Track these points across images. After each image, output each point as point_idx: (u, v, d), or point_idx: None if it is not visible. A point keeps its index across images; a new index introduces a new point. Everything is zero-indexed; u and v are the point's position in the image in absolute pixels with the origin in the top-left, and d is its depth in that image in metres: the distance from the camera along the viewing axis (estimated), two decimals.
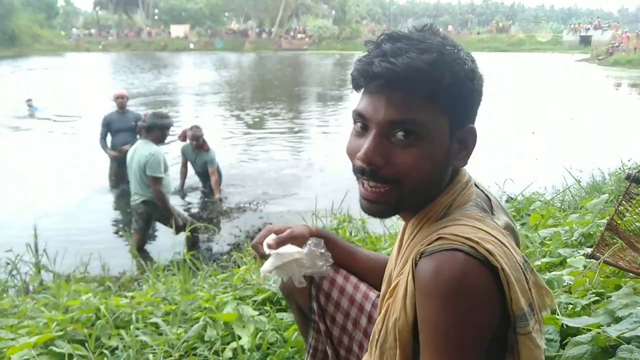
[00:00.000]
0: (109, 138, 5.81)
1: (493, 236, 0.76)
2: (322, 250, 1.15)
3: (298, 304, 1.27)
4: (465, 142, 0.84)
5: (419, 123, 0.77)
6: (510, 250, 0.76)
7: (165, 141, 4.23)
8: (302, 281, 1.12)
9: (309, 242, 1.14)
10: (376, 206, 0.84)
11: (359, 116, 0.82)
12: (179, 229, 3.94)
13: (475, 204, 0.85)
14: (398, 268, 0.88)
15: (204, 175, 5.51)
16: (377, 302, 1.10)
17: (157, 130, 4.03)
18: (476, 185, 0.91)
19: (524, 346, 0.75)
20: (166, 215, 4.04)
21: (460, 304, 0.70)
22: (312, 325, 1.24)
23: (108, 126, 5.77)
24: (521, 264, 0.77)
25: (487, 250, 0.71)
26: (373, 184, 0.81)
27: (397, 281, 0.85)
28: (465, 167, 0.88)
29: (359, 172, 0.82)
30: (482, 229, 0.77)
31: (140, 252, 4.07)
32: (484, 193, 0.91)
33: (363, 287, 1.21)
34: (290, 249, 1.10)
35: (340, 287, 1.21)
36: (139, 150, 4.01)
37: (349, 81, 0.84)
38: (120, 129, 5.74)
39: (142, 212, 4.09)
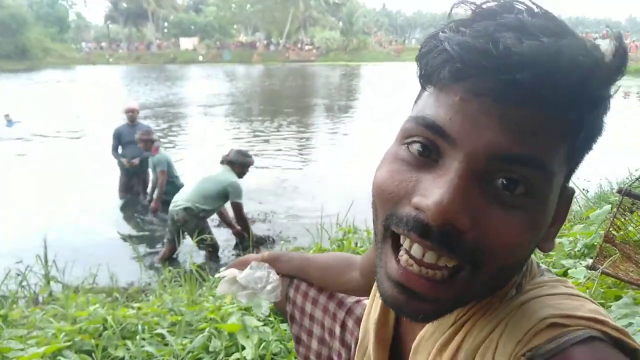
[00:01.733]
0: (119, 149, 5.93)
1: (594, 303, 0.54)
2: (261, 272, 1.16)
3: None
4: (567, 203, 0.55)
5: (546, 170, 0.47)
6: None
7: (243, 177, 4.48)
8: (248, 302, 1.17)
9: (250, 264, 1.17)
10: (423, 304, 0.50)
11: (428, 128, 0.48)
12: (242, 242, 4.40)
13: (541, 271, 0.60)
14: None
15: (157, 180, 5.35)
16: (352, 307, 1.08)
17: (239, 167, 4.38)
18: None
19: None
20: (197, 229, 4.16)
21: None
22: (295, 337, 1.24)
23: (119, 138, 5.88)
24: None
25: (616, 328, 0.49)
26: (432, 256, 0.48)
27: None
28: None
29: (412, 230, 0.48)
30: (581, 296, 0.54)
31: (169, 261, 4.17)
32: None
33: (333, 295, 1.17)
34: (230, 272, 1.16)
35: (312, 299, 1.18)
36: (223, 174, 4.31)
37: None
38: (130, 142, 5.80)
39: (179, 219, 4.20)
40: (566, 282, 0.58)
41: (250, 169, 4.54)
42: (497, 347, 0.51)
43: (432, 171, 0.48)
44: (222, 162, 4.41)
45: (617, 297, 1.58)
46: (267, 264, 1.18)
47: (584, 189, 4.01)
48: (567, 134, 0.47)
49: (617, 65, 0.47)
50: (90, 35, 69.91)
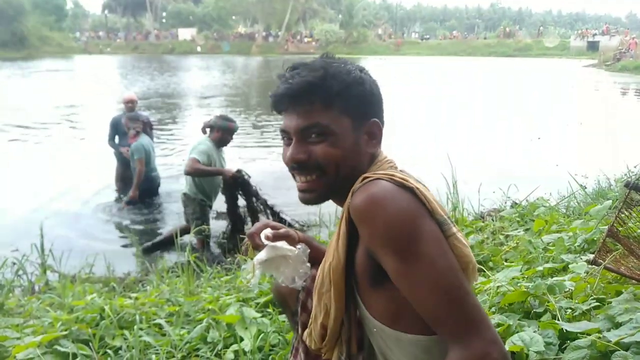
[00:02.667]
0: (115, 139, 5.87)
1: (407, 174, 0.96)
2: (306, 259, 1.18)
3: (291, 309, 1.30)
4: (373, 133, 1.03)
5: (323, 125, 0.97)
6: (423, 185, 0.95)
7: (227, 144, 4.24)
8: (285, 281, 1.17)
9: (299, 246, 1.19)
10: (310, 195, 1.03)
11: (282, 132, 1.03)
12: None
13: (394, 169, 1.01)
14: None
15: (132, 169, 5.24)
16: None
17: (217, 132, 4.08)
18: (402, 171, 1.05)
19: (454, 246, 0.89)
20: (195, 215, 4.09)
21: (397, 206, 0.85)
22: (295, 327, 1.28)
23: (116, 128, 5.81)
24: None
25: (402, 178, 0.90)
26: (304, 177, 1.01)
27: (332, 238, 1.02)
28: (383, 153, 1.06)
29: (292, 171, 1.03)
30: (397, 172, 0.95)
31: (205, 250, 4.08)
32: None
33: None
34: (284, 245, 1.15)
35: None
36: (195, 145, 4.06)
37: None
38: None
39: (182, 203, 4.22)
40: (399, 171, 0.98)
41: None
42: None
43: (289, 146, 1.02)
44: (203, 131, 4.17)
45: (618, 293, 1.57)
46: (309, 250, 1.19)
47: (582, 185, 4.01)
48: (327, 106, 0.97)
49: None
50: (87, 24, 69.36)
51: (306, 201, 1.04)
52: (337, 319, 1.00)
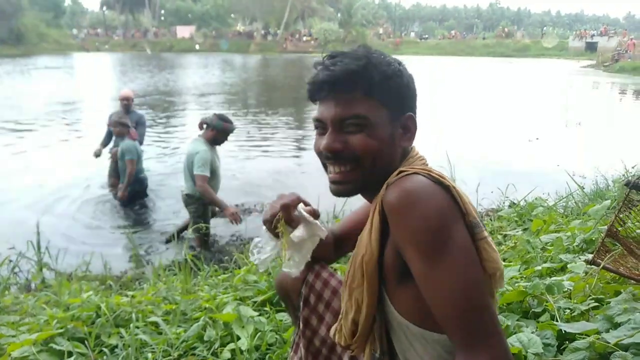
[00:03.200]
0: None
1: (442, 173, 0.92)
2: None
3: (293, 304, 1.29)
4: (407, 127, 1.01)
5: (362, 116, 0.94)
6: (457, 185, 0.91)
7: (221, 144, 4.19)
8: (294, 269, 1.11)
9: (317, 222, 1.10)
10: (343, 186, 0.99)
11: (317, 121, 1.00)
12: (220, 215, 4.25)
13: (427, 165, 1.00)
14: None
15: (122, 170, 5.13)
16: None
17: (211, 131, 4.03)
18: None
19: (484, 250, 0.87)
20: (198, 213, 4.05)
21: (429, 206, 0.83)
22: (296, 322, 1.28)
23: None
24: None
25: (439, 175, 0.88)
26: (338, 168, 0.98)
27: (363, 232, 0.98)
28: (416, 148, 1.04)
29: (326, 160, 0.99)
30: (433, 169, 0.94)
31: (203, 248, 4.07)
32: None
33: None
34: (319, 224, 1.07)
35: (333, 289, 1.23)
36: (190, 146, 4.07)
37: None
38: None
39: (184, 202, 4.18)
40: (427, 165, 0.99)
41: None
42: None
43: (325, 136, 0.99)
44: (200, 126, 4.11)
45: (617, 293, 1.57)
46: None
47: (580, 185, 4.01)
48: (367, 96, 0.95)
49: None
50: (85, 21, 69.14)
51: (338, 193, 1.00)
52: (368, 315, 0.97)
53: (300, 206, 1.10)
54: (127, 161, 4.98)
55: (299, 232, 1.05)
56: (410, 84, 1.01)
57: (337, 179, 0.99)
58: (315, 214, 1.11)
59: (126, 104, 5.68)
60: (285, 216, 1.08)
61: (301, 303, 1.23)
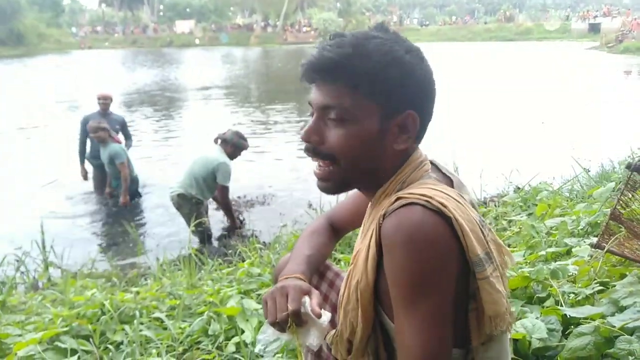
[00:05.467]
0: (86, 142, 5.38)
1: (445, 193, 0.83)
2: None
3: None
4: (406, 127, 0.89)
5: (343, 107, 0.86)
6: (464, 206, 0.83)
7: (234, 160, 4.33)
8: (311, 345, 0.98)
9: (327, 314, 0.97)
10: (325, 183, 0.94)
11: (309, 104, 0.94)
12: (230, 230, 4.42)
13: (429, 177, 0.91)
14: (359, 240, 0.98)
15: (114, 175, 5.08)
16: None
17: (231, 147, 4.22)
18: (438, 168, 0.97)
19: (484, 290, 0.81)
20: (192, 214, 4.03)
21: (422, 250, 0.77)
22: None
23: (86, 129, 5.16)
24: (477, 220, 0.84)
25: (440, 203, 0.79)
26: (318, 163, 0.93)
27: (358, 249, 0.93)
28: (421, 150, 0.94)
29: (305, 151, 0.94)
30: (435, 189, 0.84)
31: (206, 243, 4.12)
32: (446, 174, 0.96)
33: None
34: (326, 317, 0.95)
35: (338, 291, 1.20)
36: (210, 154, 4.19)
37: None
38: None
39: (174, 204, 4.20)
40: (436, 185, 0.86)
41: (246, 153, 4.44)
42: (377, 214, 0.87)
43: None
44: (215, 140, 4.28)
45: (622, 276, 1.55)
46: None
47: (585, 168, 3.98)
48: (353, 88, 0.86)
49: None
50: (85, 19, 69.00)
51: (323, 189, 0.95)
52: (363, 337, 0.93)
53: (307, 301, 0.95)
54: (119, 165, 4.87)
55: (311, 340, 0.95)
56: (416, 76, 0.88)
57: (318, 174, 0.94)
58: (319, 308, 0.96)
59: (104, 103, 5.36)
60: (295, 322, 0.94)
61: None
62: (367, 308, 0.90)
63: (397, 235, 0.79)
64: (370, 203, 0.99)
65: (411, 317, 0.79)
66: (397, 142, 0.89)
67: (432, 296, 0.78)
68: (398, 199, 0.83)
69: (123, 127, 5.57)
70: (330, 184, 0.94)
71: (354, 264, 0.93)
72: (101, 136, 4.88)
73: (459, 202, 0.83)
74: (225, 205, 4.39)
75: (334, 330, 1.02)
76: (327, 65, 0.86)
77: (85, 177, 5.49)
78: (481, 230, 0.83)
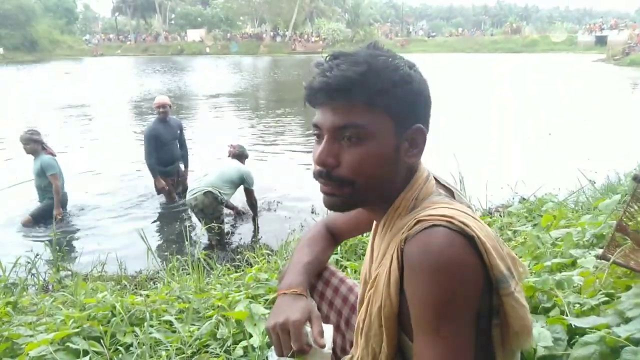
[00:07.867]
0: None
1: (463, 212, 0.83)
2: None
3: None
4: (415, 141, 0.89)
5: (360, 125, 0.85)
6: (481, 223, 0.83)
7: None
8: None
9: (326, 327, 1.00)
10: (332, 199, 0.91)
11: (314, 127, 0.91)
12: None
13: (439, 194, 0.92)
14: (376, 263, 0.95)
15: (42, 188, 4.92)
16: None
17: (244, 159, 4.96)
18: (437, 180, 0.97)
19: (509, 305, 0.81)
20: (215, 214, 4.39)
21: (448, 275, 0.76)
22: None
23: (155, 140, 5.18)
24: (494, 235, 0.84)
25: (462, 222, 0.79)
26: (327, 187, 0.90)
27: (377, 273, 0.91)
28: (423, 164, 0.94)
29: (316, 176, 0.90)
30: (452, 208, 0.84)
31: (221, 245, 4.35)
32: (446, 186, 0.97)
33: (354, 287, 1.23)
34: (329, 342, 0.97)
35: (343, 297, 1.22)
36: (237, 164, 4.78)
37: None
38: (168, 142, 5.28)
39: (197, 204, 4.35)
40: (450, 204, 0.87)
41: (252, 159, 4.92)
42: (395, 236, 0.87)
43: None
44: (229, 156, 4.88)
45: (628, 287, 1.56)
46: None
47: (591, 180, 3.98)
48: (368, 105, 0.84)
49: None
50: (98, 27, 69.90)
51: (331, 207, 0.92)
52: None
53: (308, 333, 0.96)
54: (51, 177, 4.75)
55: None
56: (422, 91, 0.89)
57: (326, 191, 0.90)
58: (321, 335, 0.98)
59: (164, 111, 5.23)
60: (302, 351, 0.95)
61: None
62: (392, 333, 0.88)
63: (423, 260, 0.77)
64: (379, 223, 0.97)
65: (434, 342, 0.78)
66: (408, 155, 0.89)
67: (457, 320, 0.78)
68: (418, 221, 0.82)
69: (180, 132, 5.54)
70: (339, 200, 0.90)
71: (373, 288, 0.91)
72: (32, 148, 4.78)
73: (475, 219, 0.83)
74: (252, 204, 4.96)
75: (348, 356, 1.03)
76: (343, 84, 0.84)
77: (164, 189, 5.32)
78: (499, 245, 0.83)
